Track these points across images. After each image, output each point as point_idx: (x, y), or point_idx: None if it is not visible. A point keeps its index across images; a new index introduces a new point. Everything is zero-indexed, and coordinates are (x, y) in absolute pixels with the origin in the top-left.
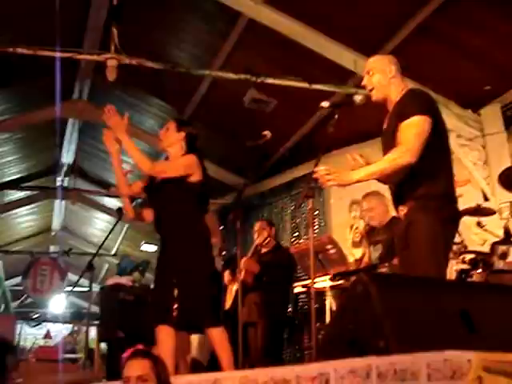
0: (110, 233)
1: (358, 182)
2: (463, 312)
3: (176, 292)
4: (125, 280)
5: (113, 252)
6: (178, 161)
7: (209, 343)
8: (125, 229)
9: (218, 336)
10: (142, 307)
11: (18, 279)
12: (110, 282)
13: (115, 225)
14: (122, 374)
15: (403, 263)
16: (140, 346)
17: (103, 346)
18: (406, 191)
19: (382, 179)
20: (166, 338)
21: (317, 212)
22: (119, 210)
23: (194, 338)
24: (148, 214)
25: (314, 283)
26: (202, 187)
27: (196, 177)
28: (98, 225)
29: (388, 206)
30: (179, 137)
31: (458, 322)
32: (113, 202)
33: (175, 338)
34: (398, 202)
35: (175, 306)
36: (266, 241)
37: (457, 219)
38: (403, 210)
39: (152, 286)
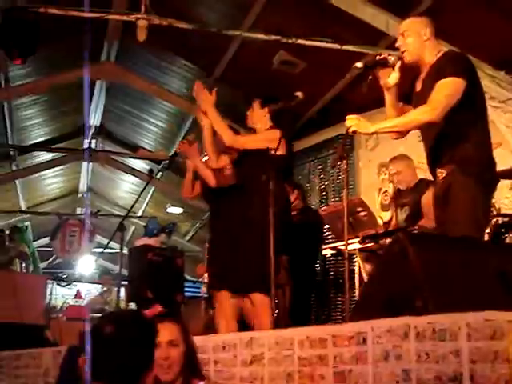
0: (140, 195)
1: (375, 133)
2: (501, 273)
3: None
4: (153, 241)
5: (139, 214)
6: (262, 134)
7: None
8: (151, 191)
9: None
10: (171, 268)
11: (46, 240)
12: (139, 243)
13: (146, 186)
14: None
15: (441, 225)
16: (159, 308)
17: (132, 306)
18: (444, 154)
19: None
20: (221, 302)
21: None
22: (150, 171)
23: None
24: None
25: (348, 244)
26: (284, 161)
27: (279, 151)
28: (124, 187)
29: (415, 169)
30: (264, 113)
31: (496, 283)
32: (140, 164)
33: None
34: (435, 164)
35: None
36: (293, 204)
37: (495, 183)
38: (442, 172)
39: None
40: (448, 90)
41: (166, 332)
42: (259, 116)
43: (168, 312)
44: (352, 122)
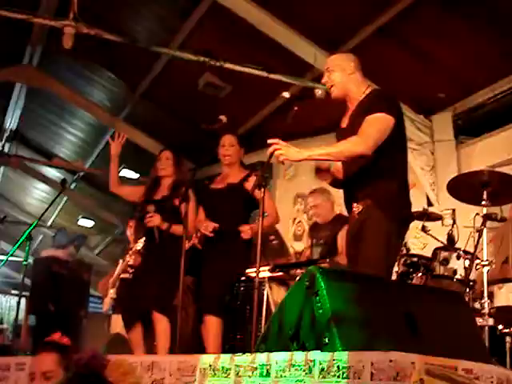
0: (51, 204)
1: (306, 159)
2: (407, 314)
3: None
4: (60, 253)
5: (49, 223)
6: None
7: None
8: (63, 201)
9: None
10: (76, 281)
11: None
12: (45, 253)
13: (58, 195)
14: None
15: (354, 260)
16: (56, 336)
17: (32, 318)
18: (361, 189)
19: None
20: None
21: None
22: (63, 181)
23: None
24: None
25: (259, 272)
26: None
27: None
28: (35, 194)
29: (333, 204)
30: (241, 152)
31: (403, 324)
32: (53, 173)
33: None
34: (351, 199)
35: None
36: None
37: (410, 221)
38: (358, 207)
39: None
40: (379, 124)
41: (42, 362)
42: (239, 155)
43: (49, 342)
44: (281, 149)
